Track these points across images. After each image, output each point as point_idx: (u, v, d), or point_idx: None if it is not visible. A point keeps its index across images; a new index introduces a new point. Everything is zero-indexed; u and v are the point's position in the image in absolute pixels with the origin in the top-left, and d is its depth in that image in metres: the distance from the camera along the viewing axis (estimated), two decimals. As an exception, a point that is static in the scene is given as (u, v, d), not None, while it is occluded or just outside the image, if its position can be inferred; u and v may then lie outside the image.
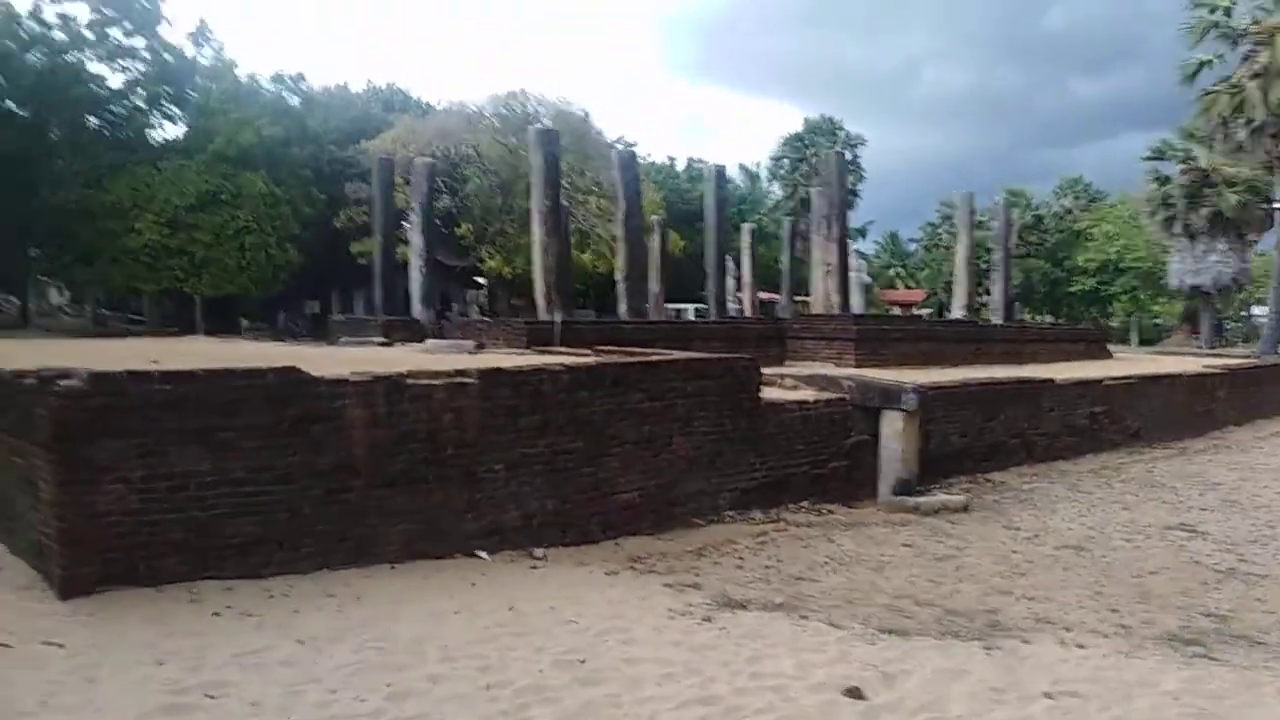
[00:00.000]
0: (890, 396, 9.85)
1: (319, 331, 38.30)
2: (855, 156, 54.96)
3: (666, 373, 8.57)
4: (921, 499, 9.60)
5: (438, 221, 40.68)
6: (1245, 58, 27.79)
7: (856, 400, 10.10)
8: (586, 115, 40.20)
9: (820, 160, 15.55)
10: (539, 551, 7.32)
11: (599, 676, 4.41)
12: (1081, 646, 5.14)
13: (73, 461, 5.56)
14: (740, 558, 7.32)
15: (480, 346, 13.09)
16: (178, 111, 32.89)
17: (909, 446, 9.85)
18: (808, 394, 10.09)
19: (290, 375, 6.39)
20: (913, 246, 73.43)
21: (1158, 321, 63.73)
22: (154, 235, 27.85)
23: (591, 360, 8.30)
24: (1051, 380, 13.29)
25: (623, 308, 14.87)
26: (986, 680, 4.51)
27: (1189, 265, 42.85)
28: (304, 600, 5.75)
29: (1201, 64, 28.89)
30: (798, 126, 63.25)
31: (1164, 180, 42.92)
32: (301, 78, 42.38)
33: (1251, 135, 27.88)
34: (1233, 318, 56.97)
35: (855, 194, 54.18)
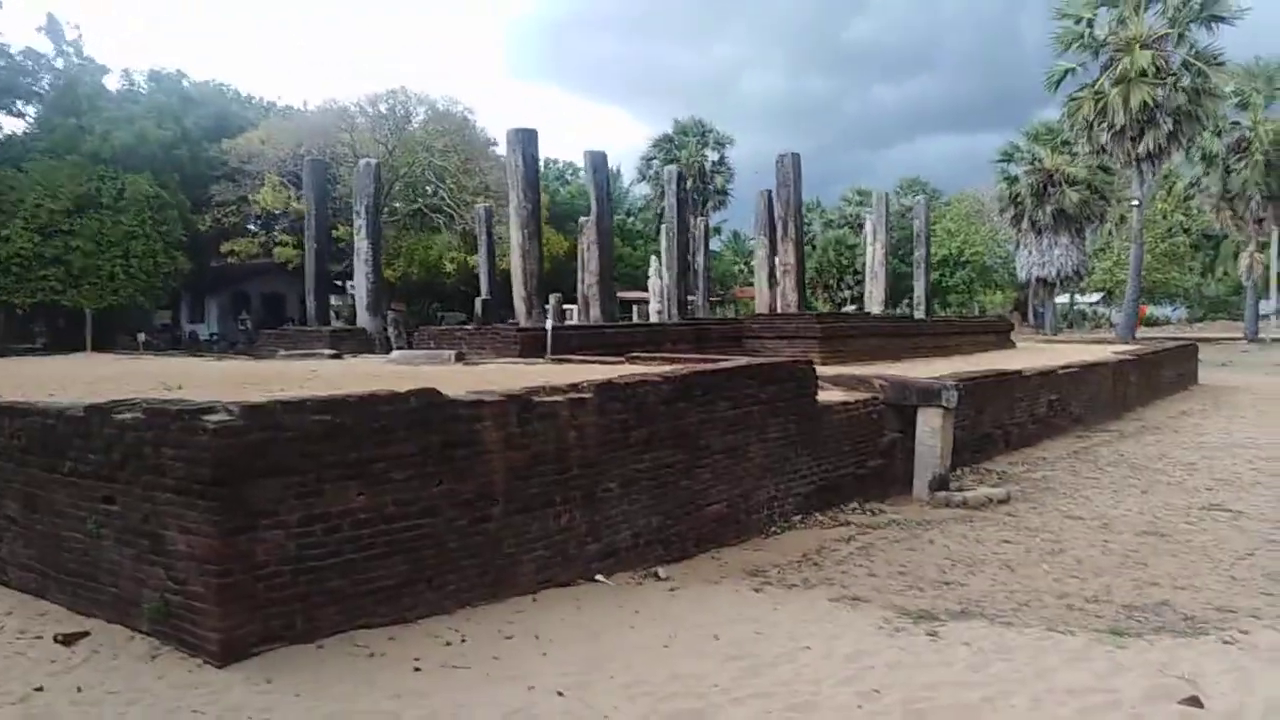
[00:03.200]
0: (929, 394, 10.00)
1: (184, 346, 35.71)
2: (723, 156, 55.96)
3: (744, 379, 8.38)
4: (967, 494, 9.79)
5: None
6: (1105, 66, 30.05)
7: (892, 399, 10.20)
8: (469, 115, 39.19)
9: (778, 164, 15.59)
10: (662, 571, 7.00)
11: (925, 709, 4.18)
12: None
13: (233, 506, 4.86)
14: (859, 563, 7.22)
15: (460, 357, 12.46)
16: (23, 107, 29.74)
17: (945, 443, 10.04)
18: (843, 394, 10.11)
19: (431, 397, 5.82)
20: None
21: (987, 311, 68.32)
22: (24, 243, 24.95)
23: (684, 370, 8.00)
24: (1020, 372, 13.90)
25: (595, 312, 14.51)
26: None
27: (1035, 258, 45.99)
28: (488, 643, 5.25)
29: (1065, 71, 31.06)
30: (636, 128, 63.67)
31: (1013, 180, 45.92)
32: (182, 74, 39.50)
33: (1113, 138, 30.17)
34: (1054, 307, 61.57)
35: (725, 193, 55.38)
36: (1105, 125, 29.73)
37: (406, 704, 4.36)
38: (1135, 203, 34.22)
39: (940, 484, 9.99)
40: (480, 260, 22.76)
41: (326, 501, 5.23)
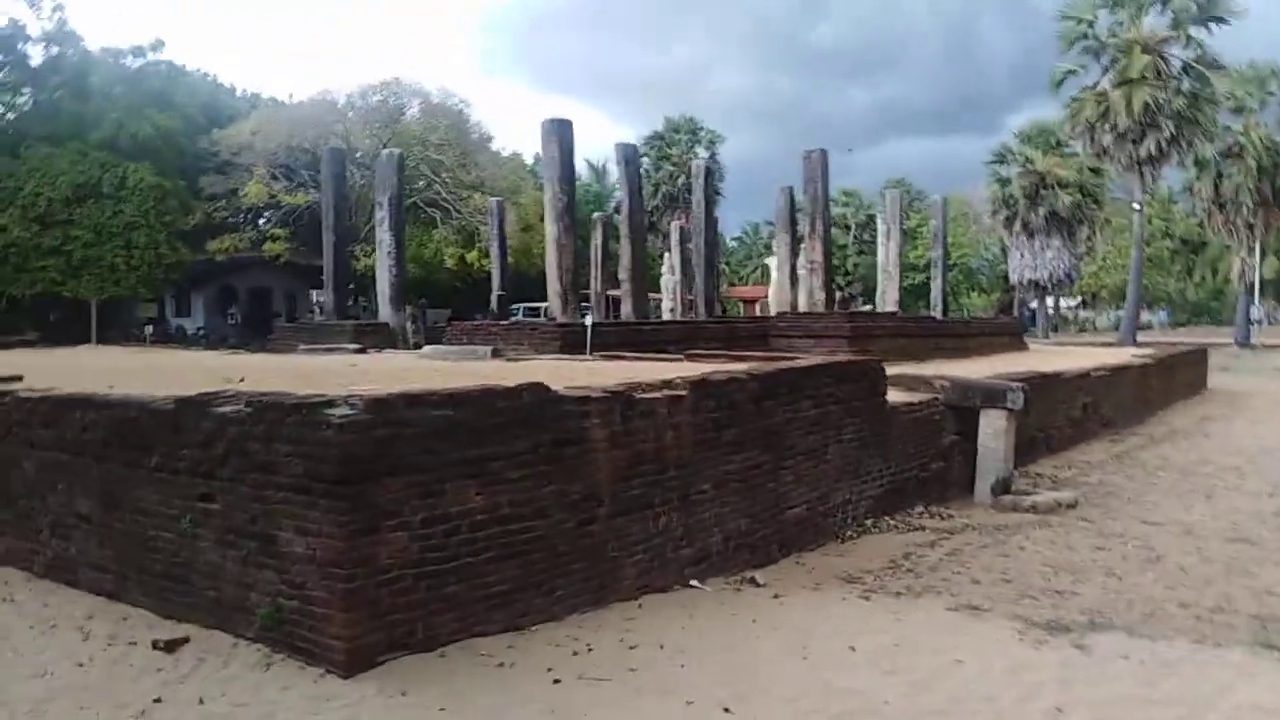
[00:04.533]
0: (994, 395, 9.82)
1: (178, 340, 34.98)
2: (714, 154, 55.59)
3: (824, 378, 8.15)
4: (1035, 498, 9.62)
5: (304, 220, 38.21)
6: (1107, 68, 30.16)
7: (953, 400, 10.01)
8: (465, 107, 38.70)
9: (805, 159, 15.40)
10: (760, 577, 6.75)
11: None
12: None
13: (359, 506, 4.56)
14: (954, 570, 7.00)
15: (497, 353, 12.14)
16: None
17: (1009, 445, 9.86)
18: (904, 394, 9.90)
19: (541, 393, 5.54)
20: (733, 245, 75.55)
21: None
22: (20, 232, 24.21)
23: (771, 367, 7.75)
24: (1060, 374, 13.78)
25: (626, 308, 14.23)
26: None
27: (1028, 261, 46.20)
28: (615, 652, 4.98)
29: (1067, 72, 31.14)
30: (612, 127, 63.51)
31: (1005, 182, 46.06)
32: (185, 69, 38.79)
33: (1115, 140, 30.28)
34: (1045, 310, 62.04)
35: (718, 192, 55.03)
36: (1108, 127, 29.84)
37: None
38: (1137, 206, 34.43)
39: (1003, 488, 9.80)
40: (493, 255, 22.41)
41: (447, 502, 4.94)
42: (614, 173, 63.59)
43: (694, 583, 6.56)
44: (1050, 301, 62.81)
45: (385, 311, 14.92)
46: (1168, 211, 64.48)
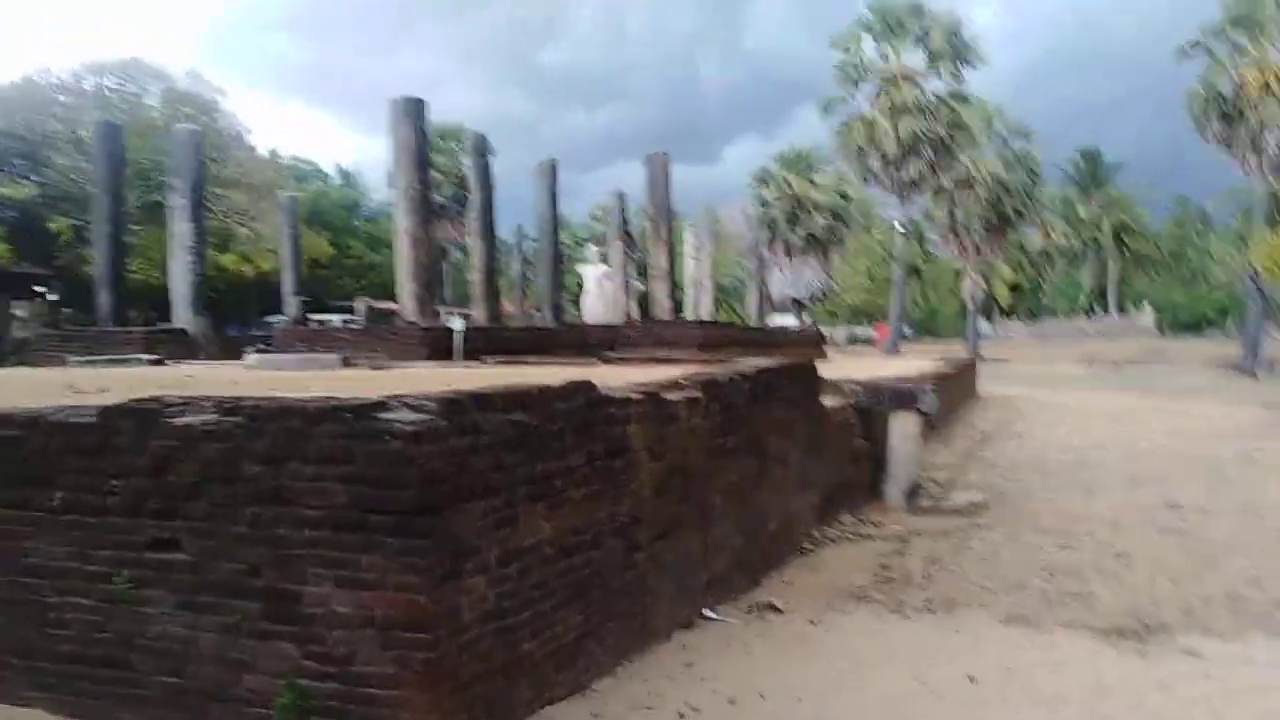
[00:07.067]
0: (905, 398, 9.66)
1: None
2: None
3: (786, 378, 7.54)
4: (952, 500, 9.53)
5: (14, 215, 32.84)
6: (873, 96, 32.28)
7: (863, 403, 9.76)
8: (219, 96, 34.98)
9: (648, 162, 14.84)
10: (778, 602, 5.97)
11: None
12: None
13: (443, 543, 3.35)
14: (947, 579, 6.58)
15: (348, 361, 10.56)
16: None
17: (918, 448, 9.74)
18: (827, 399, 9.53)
19: (589, 393, 4.48)
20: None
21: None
22: None
23: (750, 366, 6.99)
24: (904, 378, 14.08)
25: (477, 313, 12.97)
26: None
27: (788, 278, 48.74)
28: (718, 712, 4.05)
29: (836, 99, 33.04)
30: (343, 133, 61.20)
31: (766, 203, 48.36)
32: None
33: (882, 164, 32.43)
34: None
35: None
36: (876, 152, 31.95)
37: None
38: (901, 229, 37.07)
39: (914, 491, 9.66)
40: (286, 256, 20.03)
41: (520, 532, 3.80)
42: (367, 176, 60.89)
43: (709, 613, 5.69)
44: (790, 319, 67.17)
45: (183, 316, 12.67)
46: (891, 237, 70.71)
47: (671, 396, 5.34)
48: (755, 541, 6.60)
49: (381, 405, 3.42)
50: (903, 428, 9.67)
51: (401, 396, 3.50)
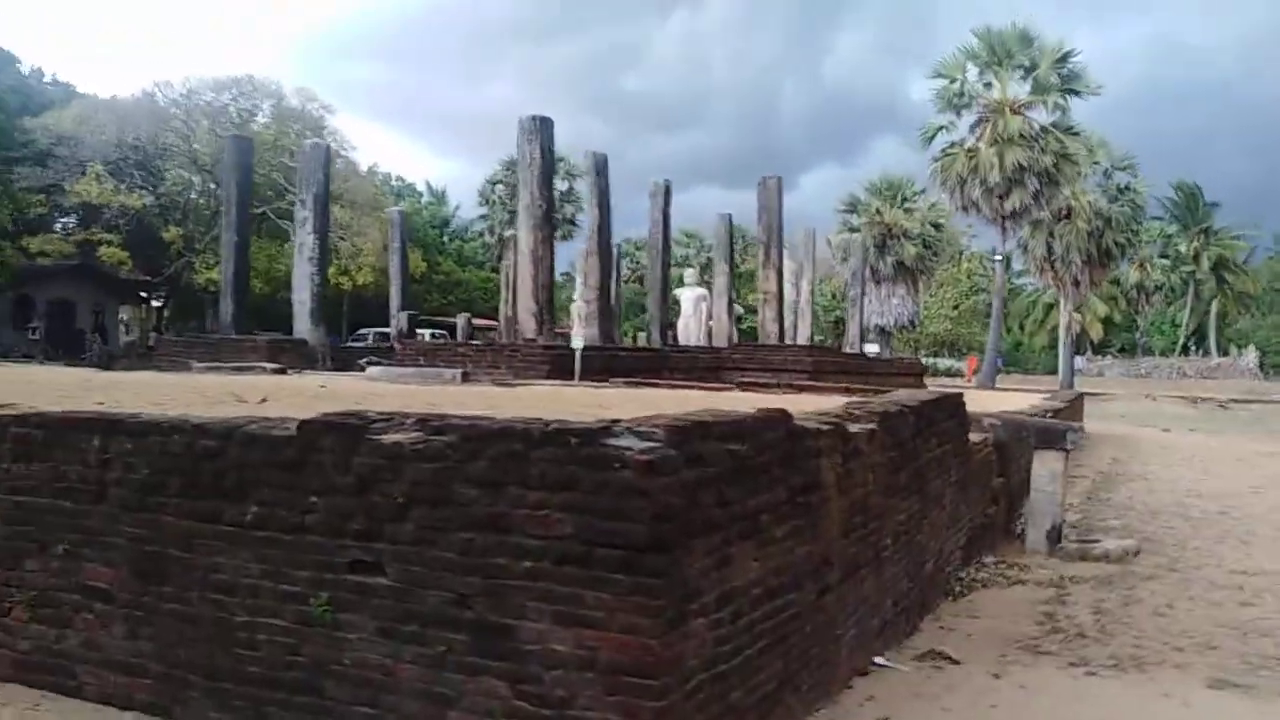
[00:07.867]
0: (1050, 435, 9.18)
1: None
2: (572, 186, 54.59)
3: (940, 412, 7.18)
4: (1105, 545, 8.99)
5: (131, 226, 34.08)
6: (974, 126, 31.60)
7: (1003, 439, 9.31)
8: (326, 113, 35.88)
9: (760, 186, 14.63)
10: (952, 651, 5.61)
11: None
12: None
13: (675, 584, 3.11)
14: (1120, 631, 6.14)
15: (467, 376, 10.50)
16: None
17: (1063, 489, 9.24)
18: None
19: (789, 424, 4.22)
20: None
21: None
22: None
23: (910, 399, 6.67)
24: (1021, 413, 13.50)
25: (591, 331, 12.84)
26: None
27: (875, 307, 47.91)
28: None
29: (938, 129, 32.40)
30: (432, 160, 62.37)
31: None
32: None
33: (984, 195, 31.63)
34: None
35: (574, 223, 53.93)
36: (978, 182, 31.21)
37: None
38: (998, 258, 36.15)
39: (1057, 534, 9.15)
40: (393, 270, 20.29)
41: (734, 572, 3.54)
42: (455, 195, 62.01)
43: (882, 660, 5.36)
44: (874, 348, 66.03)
45: (303, 326, 12.83)
46: (983, 268, 69.09)
47: (854, 429, 5.05)
48: (916, 584, 6.25)
49: (607, 430, 3.20)
50: (1050, 467, 9.18)
51: (624, 422, 3.28)
